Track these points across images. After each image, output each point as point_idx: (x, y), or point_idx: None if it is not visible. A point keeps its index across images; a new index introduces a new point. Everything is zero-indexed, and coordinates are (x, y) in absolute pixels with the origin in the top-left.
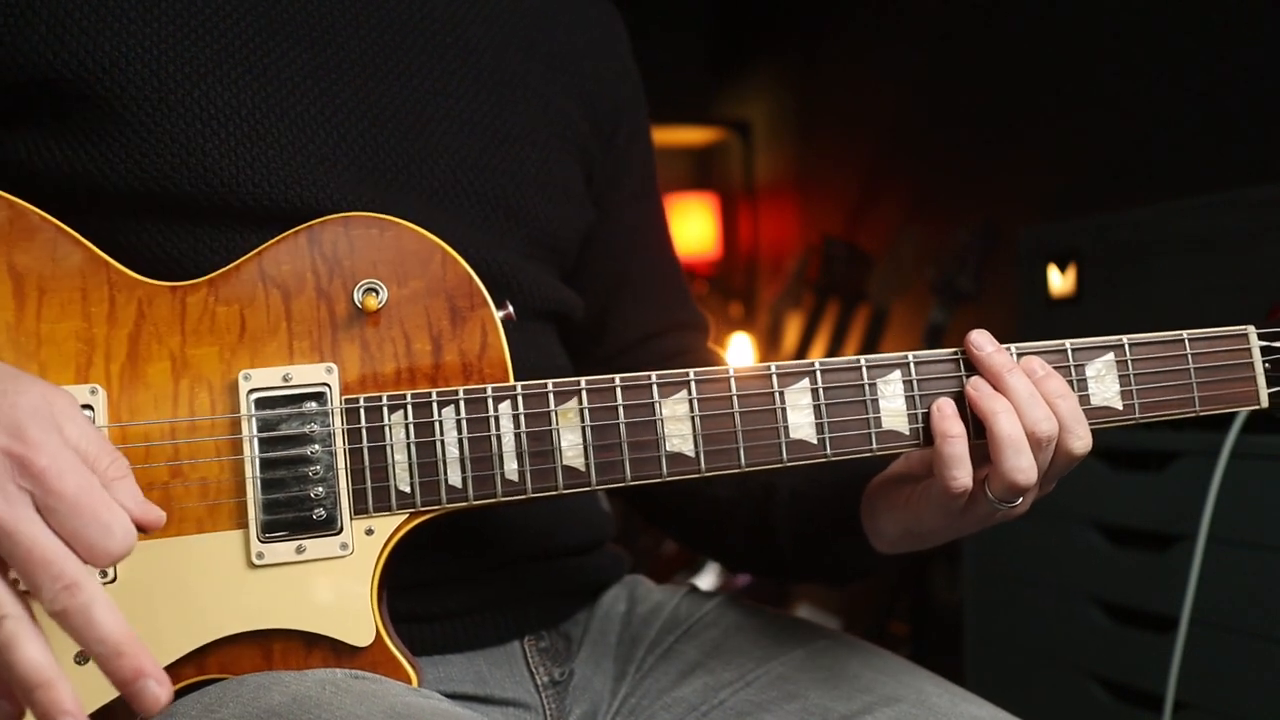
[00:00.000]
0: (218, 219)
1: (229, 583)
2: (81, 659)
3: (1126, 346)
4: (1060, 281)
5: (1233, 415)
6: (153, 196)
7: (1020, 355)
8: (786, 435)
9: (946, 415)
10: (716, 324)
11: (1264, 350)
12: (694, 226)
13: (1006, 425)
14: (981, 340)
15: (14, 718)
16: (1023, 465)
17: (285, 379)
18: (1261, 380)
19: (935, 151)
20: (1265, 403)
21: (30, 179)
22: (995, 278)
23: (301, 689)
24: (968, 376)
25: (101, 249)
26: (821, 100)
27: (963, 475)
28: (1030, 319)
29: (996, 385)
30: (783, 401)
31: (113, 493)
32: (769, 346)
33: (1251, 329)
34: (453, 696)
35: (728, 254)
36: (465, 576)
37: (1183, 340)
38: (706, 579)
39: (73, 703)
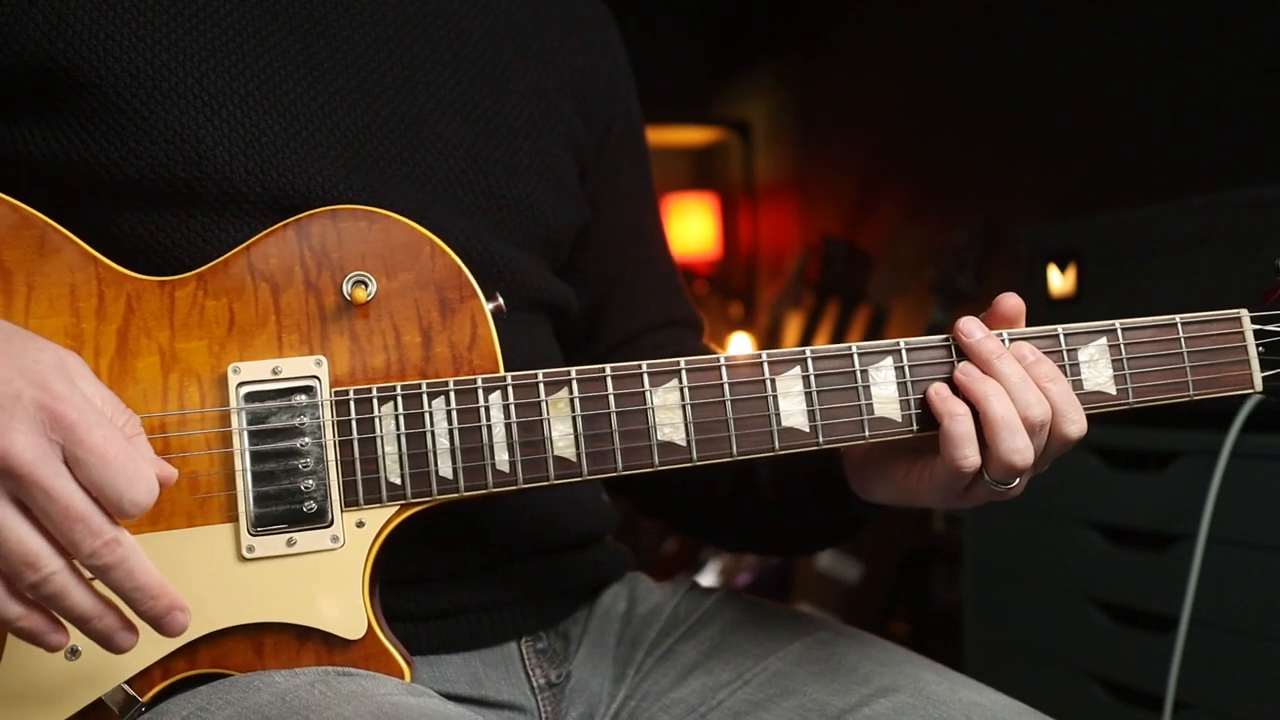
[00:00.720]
0: (211, 207)
1: (219, 576)
2: (71, 655)
3: (1119, 331)
4: (1060, 281)
5: (1233, 414)
6: (147, 184)
7: (1011, 341)
8: (778, 423)
9: (945, 397)
10: (716, 324)
11: (1258, 334)
12: (694, 226)
13: (999, 407)
14: (971, 327)
15: (63, 644)
16: (1019, 446)
17: (274, 372)
18: (1255, 364)
19: (935, 151)
20: (1259, 386)
21: (22, 167)
22: (995, 278)
23: (290, 688)
24: (958, 363)
25: (93, 238)
26: (821, 100)
27: (972, 453)
28: (1030, 319)
29: (986, 371)
30: (774, 389)
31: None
32: (769, 346)
33: (1245, 312)
34: (448, 697)
35: (728, 254)
36: (462, 573)
37: (1175, 324)
38: (707, 578)
39: (122, 622)
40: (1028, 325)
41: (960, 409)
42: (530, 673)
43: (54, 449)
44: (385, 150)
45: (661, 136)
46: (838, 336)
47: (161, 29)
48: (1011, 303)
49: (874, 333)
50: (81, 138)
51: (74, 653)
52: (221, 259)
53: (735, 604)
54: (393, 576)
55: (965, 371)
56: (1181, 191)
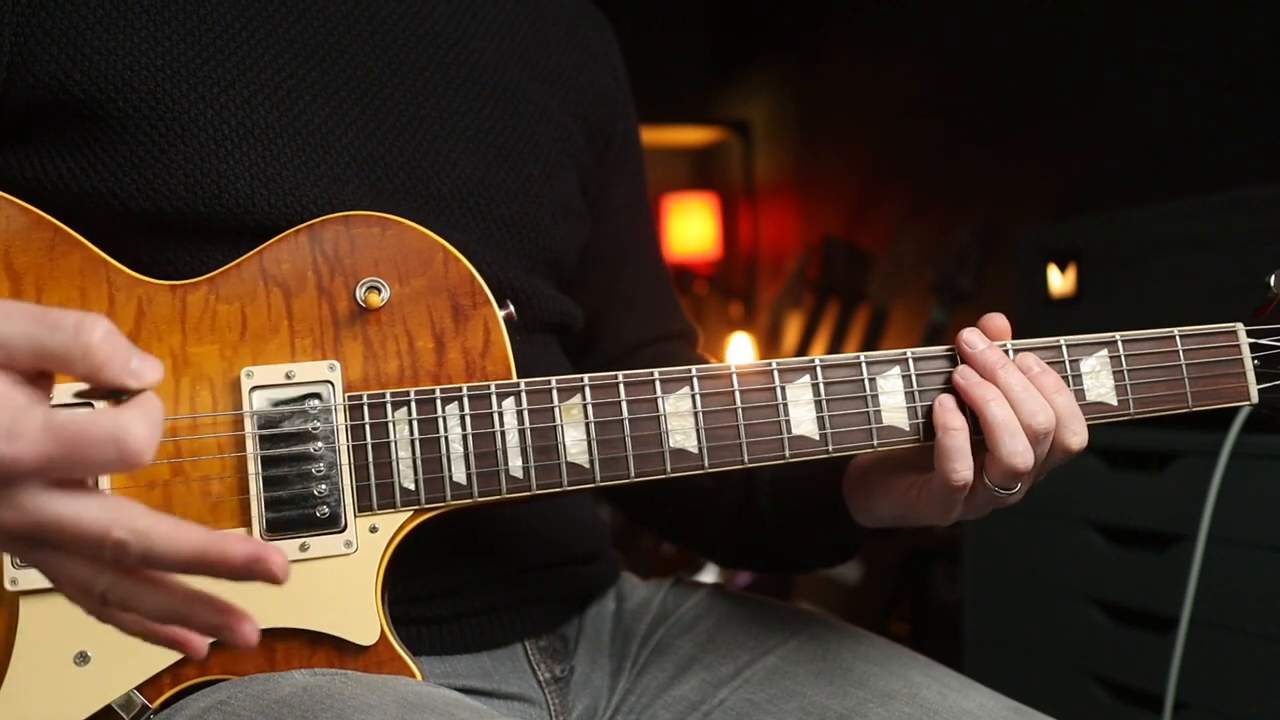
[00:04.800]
0: (229, 236)
1: (231, 581)
2: (81, 660)
3: (1120, 343)
4: (1060, 281)
5: (1232, 415)
6: (164, 215)
7: (1016, 352)
8: (788, 431)
9: (948, 409)
10: (716, 324)
11: (1253, 347)
12: (694, 226)
13: (999, 411)
14: (973, 338)
15: (203, 648)
16: (1019, 449)
17: (288, 376)
18: (1251, 376)
19: (935, 151)
20: (1255, 398)
21: (36, 196)
22: (995, 278)
23: (312, 680)
24: (957, 367)
25: None
26: (821, 100)
27: (963, 469)
28: (1030, 319)
29: (990, 381)
30: (784, 397)
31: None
32: (769, 346)
33: (1240, 326)
34: (460, 691)
35: (728, 254)
36: (470, 587)
37: (1174, 337)
38: (707, 579)
39: (218, 614)
40: (1031, 331)
41: (957, 423)
42: (535, 668)
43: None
44: (401, 181)
45: (661, 136)
46: (838, 336)
47: (179, 58)
48: (997, 323)
49: (874, 332)
50: (96, 168)
51: (83, 658)
52: (234, 263)
53: (725, 598)
54: (399, 596)
55: (964, 375)
56: (1181, 191)
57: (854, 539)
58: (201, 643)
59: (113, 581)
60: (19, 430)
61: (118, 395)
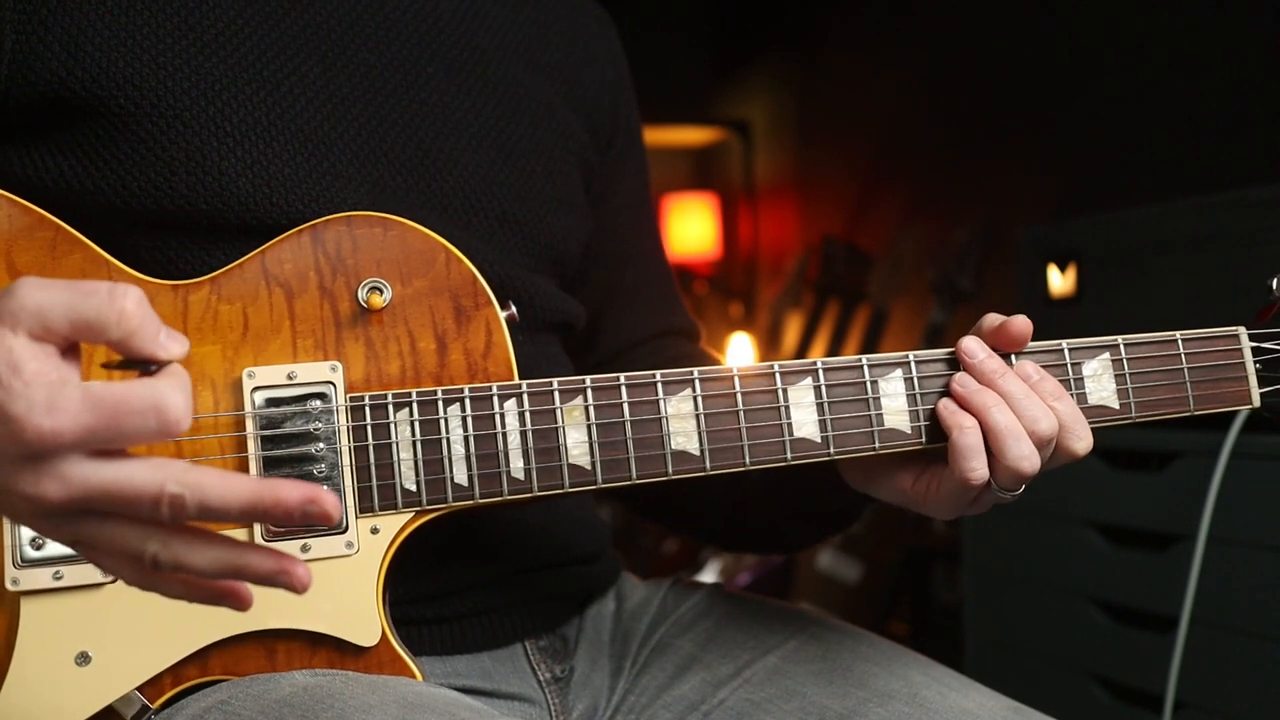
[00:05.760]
0: (231, 234)
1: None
2: (82, 660)
3: (1122, 346)
4: (1060, 281)
5: (1232, 415)
6: (165, 213)
7: (1016, 359)
8: (790, 433)
9: (955, 410)
10: (716, 324)
11: (1255, 351)
12: (694, 226)
13: (1001, 417)
14: (974, 347)
15: (249, 600)
16: (1025, 453)
17: (290, 377)
18: (1253, 380)
19: (935, 151)
20: (1257, 402)
21: (38, 195)
22: (995, 278)
23: (313, 680)
24: (955, 375)
25: None
26: (821, 100)
27: (980, 466)
28: (1030, 319)
29: (992, 389)
30: (786, 400)
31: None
32: (769, 346)
33: (1242, 330)
34: (460, 691)
35: (728, 254)
36: (471, 587)
37: (1176, 341)
38: (707, 579)
39: (273, 560)
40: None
41: (969, 421)
42: (536, 668)
43: (57, 463)
44: (403, 178)
45: (661, 136)
46: (838, 336)
47: (181, 55)
48: (1019, 325)
49: (874, 333)
50: (98, 166)
51: (84, 659)
52: (235, 264)
53: (725, 598)
54: (400, 597)
55: (962, 383)
56: (1181, 191)
57: (851, 503)
58: (250, 595)
59: (163, 542)
60: (58, 403)
61: (146, 366)
